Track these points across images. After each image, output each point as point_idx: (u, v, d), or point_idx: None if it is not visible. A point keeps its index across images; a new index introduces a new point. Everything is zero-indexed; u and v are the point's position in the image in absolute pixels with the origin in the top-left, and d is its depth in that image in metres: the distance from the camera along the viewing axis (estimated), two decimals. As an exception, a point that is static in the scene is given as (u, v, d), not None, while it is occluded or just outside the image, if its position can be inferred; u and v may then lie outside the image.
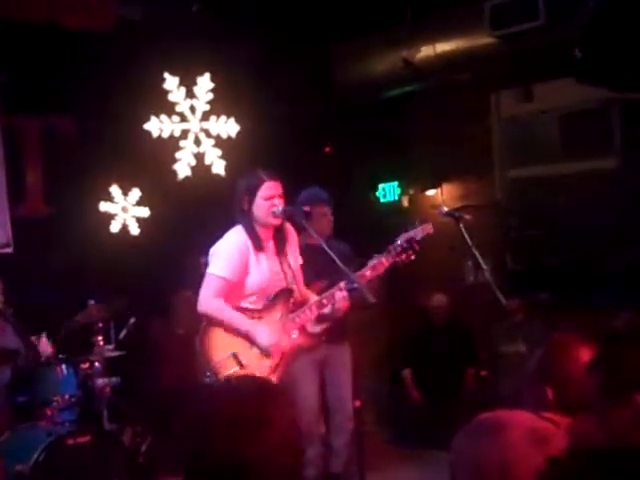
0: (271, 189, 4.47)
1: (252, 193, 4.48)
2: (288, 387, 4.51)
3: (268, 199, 4.45)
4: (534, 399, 2.40)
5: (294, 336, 4.51)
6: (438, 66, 6.86)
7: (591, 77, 5.68)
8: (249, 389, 1.58)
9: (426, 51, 6.82)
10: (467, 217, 4.70)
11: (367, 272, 4.57)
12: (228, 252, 4.46)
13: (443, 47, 6.73)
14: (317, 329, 4.75)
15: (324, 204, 5.47)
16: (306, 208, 4.47)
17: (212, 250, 4.53)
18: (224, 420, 1.50)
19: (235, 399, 1.54)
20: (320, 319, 4.68)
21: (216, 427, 1.49)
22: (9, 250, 6.34)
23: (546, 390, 2.39)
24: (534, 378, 2.49)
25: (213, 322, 4.41)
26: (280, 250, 4.63)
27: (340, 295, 4.50)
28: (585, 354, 2.47)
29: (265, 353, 4.40)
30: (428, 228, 4.73)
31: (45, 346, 5.29)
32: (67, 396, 5.12)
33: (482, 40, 6.40)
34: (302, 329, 4.60)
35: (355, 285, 4.31)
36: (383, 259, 4.63)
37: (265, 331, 4.41)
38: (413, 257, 4.68)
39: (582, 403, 2.45)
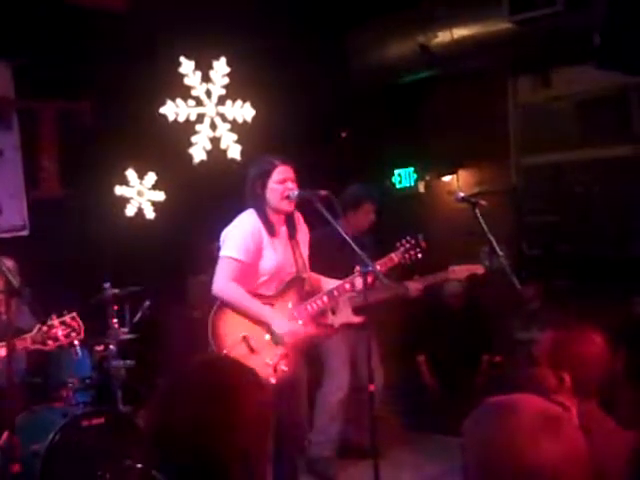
0: (284, 173, 4.48)
1: (265, 177, 4.48)
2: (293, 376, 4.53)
3: (281, 182, 4.45)
4: (540, 383, 2.41)
5: (300, 324, 4.53)
6: (455, 52, 6.82)
7: (609, 63, 5.64)
8: (219, 365, 1.62)
9: (443, 36, 6.79)
10: (483, 203, 4.72)
11: (378, 266, 4.60)
12: (241, 235, 4.46)
13: (460, 32, 6.69)
14: (354, 319, 4.80)
15: (371, 202, 5.58)
16: (322, 192, 4.47)
17: (224, 233, 4.53)
18: (189, 390, 1.53)
19: (204, 373, 1.58)
20: (356, 309, 4.76)
21: (180, 396, 1.53)
22: (25, 233, 6.39)
23: (553, 374, 2.40)
24: (542, 363, 2.49)
25: (226, 304, 4.42)
26: (291, 237, 4.64)
27: (355, 280, 4.53)
28: (594, 339, 2.48)
29: (277, 340, 4.40)
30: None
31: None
32: (82, 378, 5.18)
33: (500, 25, 6.36)
34: (313, 319, 4.61)
35: (369, 269, 4.32)
36: (392, 255, 4.74)
37: (281, 318, 4.41)
38: (420, 255, 4.80)
39: (595, 387, 2.46)
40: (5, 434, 4.41)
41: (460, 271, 5.01)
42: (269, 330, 4.41)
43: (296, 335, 4.44)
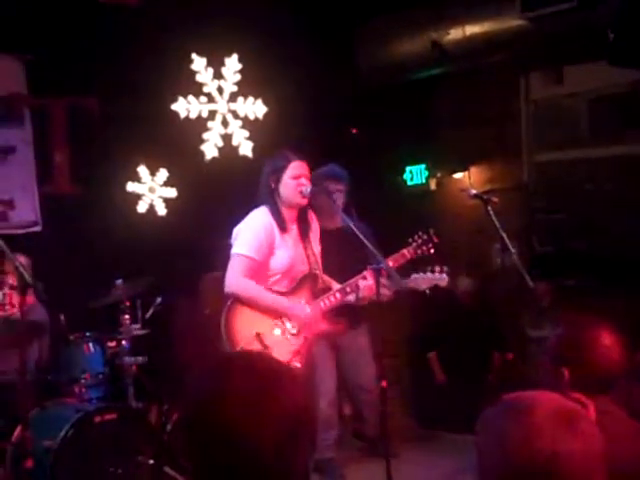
0: (298, 169, 4.49)
1: (280, 172, 4.49)
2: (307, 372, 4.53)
3: (295, 178, 4.46)
4: (552, 380, 2.40)
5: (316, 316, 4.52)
6: (467, 48, 6.80)
7: (622, 59, 5.61)
8: (259, 363, 1.60)
9: (455, 33, 6.76)
10: (495, 200, 4.72)
11: (390, 262, 4.59)
12: (253, 231, 4.46)
13: (473, 29, 6.67)
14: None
15: (340, 181, 5.46)
16: (329, 187, 4.47)
17: (236, 230, 4.53)
18: (228, 392, 1.51)
19: (242, 372, 1.56)
20: (341, 307, 4.72)
21: (220, 398, 1.51)
22: (37, 229, 6.40)
23: (563, 371, 2.40)
24: (551, 359, 2.49)
25: (239, 302, 4.42)
26: (303, 234, 4.64)
27: (364, 284, 4.52)
28: (605, 334, 2.47)
29: (294, 329, 4.40)
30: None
31: None
32: (94, 374, 5.19)
33: (513, 22, 6.33)
34: (325, 316, 4.61)
35: (382, 265, 4.31)
36: (405, 251, 4.72)
37: (299, 308, 4.41)
38: (432, 251, 4.77)
39: (603, 383, 2.45)
40: (18, 429, 4.43)
41: (422, 280, 4.84)
42: (285, 323, 4.40)
43: (314, 325, 4.44)
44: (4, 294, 3.54)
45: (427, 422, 6.69)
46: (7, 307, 3.46)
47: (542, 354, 2.87)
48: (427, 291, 4.75)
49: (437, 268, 4.74)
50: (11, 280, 4.63)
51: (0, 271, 5.40)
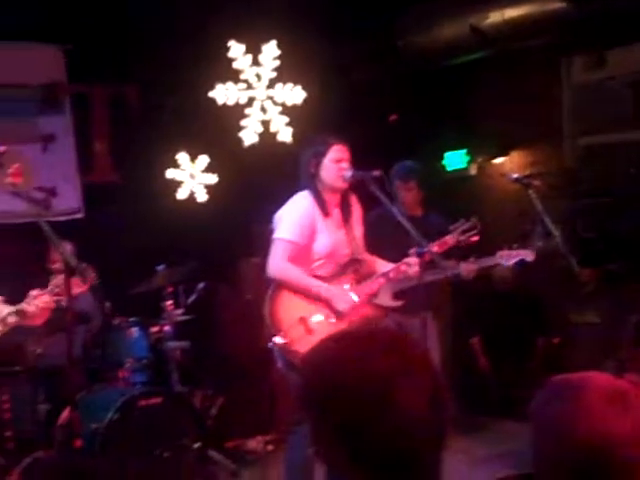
0: (339, 152, 4.46)
1: (320, 156, 4.47)
2: None
3: (336, 162, 4.44)
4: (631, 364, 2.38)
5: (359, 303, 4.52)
6: (506, 32, 6.73)
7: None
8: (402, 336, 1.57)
9: (494, 17, 6.69)
10: (537, 183, 4.67)
11: (434, 248, 4.57)
12: (295, 216, 4.44)
13: (512, 13, 6.59)
14: (393, 303, 4.77)
15: (410, 178, 5.51)
16: (376, 173, 4.46)
17: (278, 215, 4.51)
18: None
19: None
20: (396, 293, 4.73)
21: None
22: (80, 216, 6.48)
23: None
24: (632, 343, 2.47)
25: (282, 286, 4.41)
26: (346, 218, 4.61)
27: (411, 261, 4.51)
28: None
29: (337, 316, 4.40)
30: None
31: None
32: (138, 359, 5.25)
33: (553, 5, 6.25)
34: (369, 301, 4.60)
35: (425, 250, 4.30)
36: (447, 238, 4.71)
37: (341, 294, 4.41)
38: (475, 238, 4.76)
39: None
40: (65, 412, 4.50)
41: (509, 256, 4.90)
42: (328, 308, 4.40)
43: (357, 311, 4.43)
44: (55, 280, 3.59)
45: (468, 407, 6.66)
46: (59, 293, 3.52)
47: (592, 344, 2.85)
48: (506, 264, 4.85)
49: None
50: (59, 266, 4.69)
51: (48, 259, 5.49)
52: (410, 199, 5.53)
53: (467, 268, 5.24)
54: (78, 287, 3.57)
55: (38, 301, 3.56)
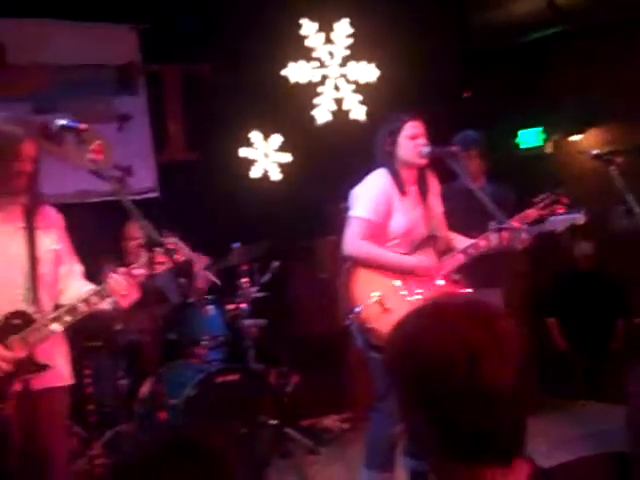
0: (414, 128, 4.39)
1: (395, 133, 4.40)
2: None
3: (412, 138, 4.37)
4: None
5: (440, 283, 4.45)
6: (583, 6, 6.56)
7: None
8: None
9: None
10: (618, 160, 4.54)
11: (514, 222, 4.48)
12: (371, 194, 4.39)
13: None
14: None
15: (471, 146, 5.41)
16: (454, 148, 4.37)
17: (354, 193, 4.46)
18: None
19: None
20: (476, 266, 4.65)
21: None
22: (155, 194, 6.55)
23: None
24: None
25: (358, 264, 4.37)
26: (423, 196, 4.55)
27: (490, 236, 4.43)
28: None
29: (414, 291, 4.34)
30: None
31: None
32: (215, 336, 5.28)
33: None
34: (448, 277, 4.54)
35: (504, 225, 4.21)
36: (529, 211, 4.61)
37: (426, 263, 4.36)
38: (561, 211, 4.64)
39: None
40: (145, 385, 4.55)
41: (559, 222, 4.76)
42: (411, 282, 4.35)
43: (435, 287, 4.38)
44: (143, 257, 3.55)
45: (545, 389, 6.56)
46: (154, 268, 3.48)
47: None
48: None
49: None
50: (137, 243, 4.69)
51: (124, 237, 5.55)
52: (472, 168, 5.44)
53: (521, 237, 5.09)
54: (163, 264, 3.55)
55: (129, 278, 3.51)
